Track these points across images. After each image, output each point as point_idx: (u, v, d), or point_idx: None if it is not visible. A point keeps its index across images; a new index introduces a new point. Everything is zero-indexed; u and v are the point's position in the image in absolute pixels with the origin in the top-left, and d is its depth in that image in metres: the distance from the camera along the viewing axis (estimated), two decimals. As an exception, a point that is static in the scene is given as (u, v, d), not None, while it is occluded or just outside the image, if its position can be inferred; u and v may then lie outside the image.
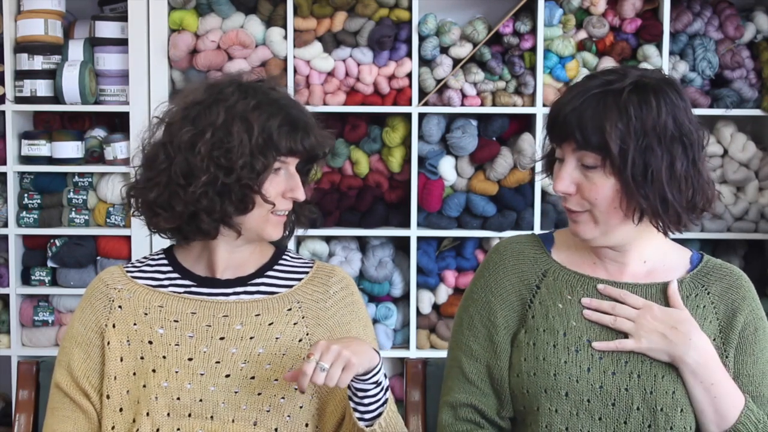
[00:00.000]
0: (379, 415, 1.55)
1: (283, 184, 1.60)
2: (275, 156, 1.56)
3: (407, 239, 3.30)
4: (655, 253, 1.64)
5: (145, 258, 1.73)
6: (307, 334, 1.64)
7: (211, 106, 1.56)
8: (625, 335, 1.59)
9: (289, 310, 1.65)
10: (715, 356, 1.56)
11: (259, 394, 1.58)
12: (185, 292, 1.65)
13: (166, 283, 1.67)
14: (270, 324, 1.63)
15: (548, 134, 1.59)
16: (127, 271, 1.69)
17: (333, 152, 3.28)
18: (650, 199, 1.51)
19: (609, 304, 1.60)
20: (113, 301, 1.65)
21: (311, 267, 1.71)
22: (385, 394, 1.56)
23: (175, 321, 1.63)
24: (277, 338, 1.62)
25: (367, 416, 1.55)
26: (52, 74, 3.24)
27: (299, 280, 1.69)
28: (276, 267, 1.70)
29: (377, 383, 1.54)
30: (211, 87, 1.60)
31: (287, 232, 1.70)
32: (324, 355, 1.44)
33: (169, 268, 1.68)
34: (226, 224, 1.59)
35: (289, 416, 1.58)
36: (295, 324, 1.64)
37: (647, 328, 1.55)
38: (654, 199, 1.51)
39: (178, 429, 1.56)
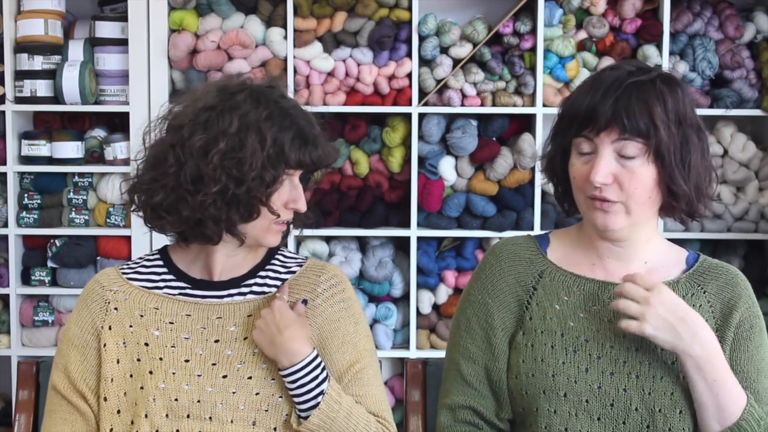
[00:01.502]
0: (306, 418, 1.55)
1: (287, 195, 1.59)
2: (284, 169, 1.56)
3: (407, 239, 3.30)
4: (655, 253, 1.64)
5: (140, 259, 1.72)
6: None
7: (224, 113, 1.54)
8: (623, 334, 1.58)
9: None
10: (720, 353, 1.54)
11: (257, 394, 1.58)
12: (179, 294, 1.65)
13: (161, 284, 1.66)
14: None
15: (575, 126, 1.56)
16: (123, 273, 1.69)
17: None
18: (688, 185, 1.52)
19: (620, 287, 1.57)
20: (109, 302, 1.65)
21: (301, 265, 1.71)
22: (312, 400, 1.55)
23: (171, 323, 1.62)
24: (269, 338, 1.62)
25: (299, 408, 1.56)
26: (52, 74, 3.24)
27: (288, 278, 1.68)
28: (268, 267, 1.69)
29: (298, 384, 1.55)
30: (222, 91, 1.58)
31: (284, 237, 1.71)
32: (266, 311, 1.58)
33: (164, 270, 1.68)
34: (230, 232, 1.58)
35: (287, 415, 1.58)
36: None
37: (655, 313, 1.51)
38: (691, 189, 1.53)
39: (177, 430, 1.56)
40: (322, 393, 1.55)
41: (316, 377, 1.55)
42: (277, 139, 1.54)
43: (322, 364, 1.57)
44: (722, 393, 1.53)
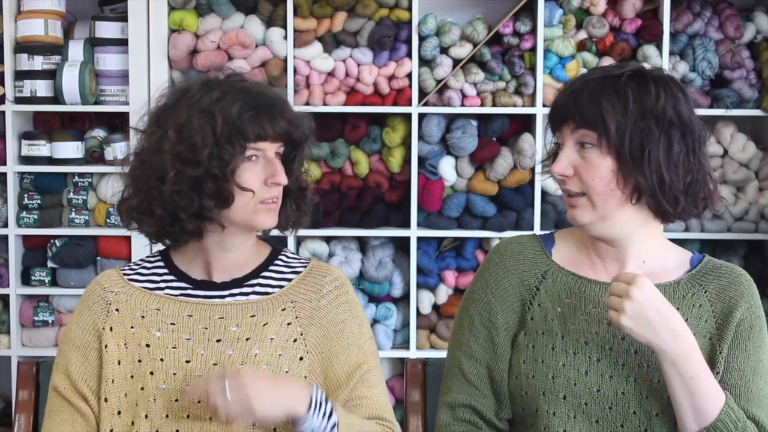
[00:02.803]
0: None
1: (263, 172, 1.59)
2: (243, 144, 1.55)
3: (407, 239, 3.30)
4: (655, 254, 1.64)
5: (142, 260, 1.73)
6: (301, 334, 1.63)
7: (176, 107, 1.58)
8: (622, 336, 1.58)
9: (283, 310, 1.64)
10: (697, 350, 1.52)
11: (258, 394, 1.58)
12: (181, 295, 1.65)
13: (162, 285, 1.67)
14: (264, 324, 1.62)
15: (549, 122, 1.62)
16: (124, 274, 1.69)
17: (335, 153, 3.28)
18: (647, 178, 1.52)
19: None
20: (110, 304, 1.65)
21: (305, 266, 1.71)
22: None
23: (172, 324, 1.62)
24: (271, 339, 1.61)
25: None
26: (52, 74, 3.24)
27: (292, 279, 1.68)
28: (271, 267, 1.69)
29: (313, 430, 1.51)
30: (180, 90, 1.61)
31: (290, 226, 1.70)
32: (232, 384, 1.44)
33: (165, 271, 1.68)
34: (207, 219, 1.58)
35: (288, 416, 1.58)
36: (288, 324, 1.63)
37: (632, 306, 1.49)
38: (651, 178, 1.52)
39: (177, 431, 1.56)
40: (335, 426, 1.51)
41: (326, 412, 1.51)
42: (228, 116, 1.54)
43: (323, 394, 1.53)
44: (699, 392, 1.51)
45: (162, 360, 1.60)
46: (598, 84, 1.55)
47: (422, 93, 3.26)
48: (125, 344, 1.62)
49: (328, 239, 3.36)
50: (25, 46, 3.24)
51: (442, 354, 2.98)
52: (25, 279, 3.37)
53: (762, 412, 1.57)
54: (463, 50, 3.22)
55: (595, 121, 1.52)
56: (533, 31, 3.23)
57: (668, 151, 1.52)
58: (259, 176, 1.58)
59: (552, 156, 1.66)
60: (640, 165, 1.52)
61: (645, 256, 1.63)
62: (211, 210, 1.56)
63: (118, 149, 3.28)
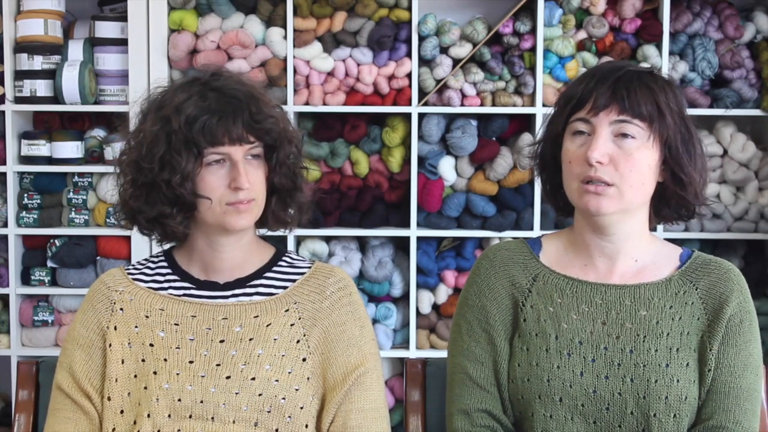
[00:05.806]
0: None
1: (228, 175, 1.58)
2: (198, 150, 1.55)
3: (407, 239, 3.30)
4: (646, 251, 1.64)
5: (146, 260, 1.73)
6: (305, 335, 1.63)
7: (146, 114, 1.61)
8: (616, 335, 1.58)
9: (287, 310, 1.65)
10: None
11: (259, 395, 1.58)
12: (184, 295, 1.66)
13: (165, 285, 1.67)
14: (268, 325, 1.63)
15: (574, 109, 1.57)
16: (129, 273, 1.70)
17: (335, 153, 3.28)
18: (697, 176, 1.56)
19: None
20: (115, 303, 1.66)
21: (309, 267, 1.71)
22: None
23: (176, 324, 1.63)
24: (275, 339, 1.62)
25: None
26: (52, 74, 3.24)
27: (297, 280, 1.69)
28: (275, 268, 1.69)
29: None
30: (157, 93, 1.63)
31: (281, 225, 1.69)
32: None
33: (169, 271, 1.69)
34: (171, 222, 1.59)
35: (290, 417, 1.58)
36: (292, 325, 1.64)
37: None
38: (698, 178, 1.56)
39: (179, 430, 1.56)
40: None
41: None
42: (183, 122, 1.54)
43: None
44: None
45: (165, 360, 1.60)
46: (641, 76, 1.55)
47: (422, 93, 3.26)
48: (129, 343, 1.62)
49: (327, 239, 3.37)
50: (25, 46, 3.24)
51: (442, 354, 2.98)
52: (25, 279, 3.37)
53: (752, 406, 1.58)
54: (463, 50, 3.22)
55: (652, 116, 1.52)
56: (533, 31, 3.23)
57: (702, 155, 1.57)
58: (224, 180, 1.58)
59: (542, 144, 1.65)
60: (688, 160, 1.54)
61: (637, 254, 1.63)
62: (172, 216, 1.58)
63: (117, 149, 3.27)
